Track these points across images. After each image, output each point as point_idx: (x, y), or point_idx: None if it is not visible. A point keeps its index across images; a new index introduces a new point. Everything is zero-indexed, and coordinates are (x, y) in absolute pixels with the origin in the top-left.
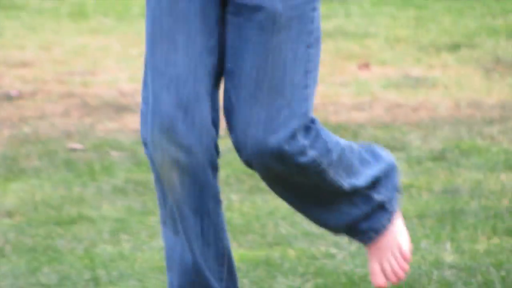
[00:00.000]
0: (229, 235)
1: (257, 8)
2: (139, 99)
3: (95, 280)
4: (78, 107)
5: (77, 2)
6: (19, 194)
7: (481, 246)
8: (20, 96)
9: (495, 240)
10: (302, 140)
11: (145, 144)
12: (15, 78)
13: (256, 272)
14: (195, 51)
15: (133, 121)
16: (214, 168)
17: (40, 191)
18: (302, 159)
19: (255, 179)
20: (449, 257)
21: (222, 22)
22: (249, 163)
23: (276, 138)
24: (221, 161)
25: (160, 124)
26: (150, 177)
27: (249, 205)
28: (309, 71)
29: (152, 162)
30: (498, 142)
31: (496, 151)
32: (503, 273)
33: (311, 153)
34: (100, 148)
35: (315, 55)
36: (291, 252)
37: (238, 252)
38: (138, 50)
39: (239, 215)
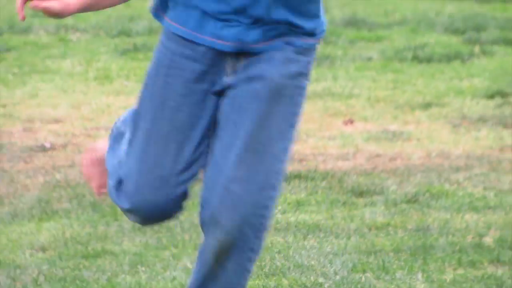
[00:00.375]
0: None
1: (257, 78)
2: None
3: None
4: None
5: (102, 67)
6: (52, 231)
7: (448, 276)
8: (53, 148)
9: (461, 271)
10: (269, 209)
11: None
12: (49, 133)
13: None
14: (183, 159)
15: None
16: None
17: (69, 229)
18: (265, 222)
19: None
20: (420, 286)
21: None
22: (214, 217)
23: (253, 198)
24: None
25: (138, 209)
26: None
27: None
28: (287, 149)
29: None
30: (464, 187)
31: (462, 194)
32: None
33: (268, 220)
34: None
35: (294, 137)
36: (285, 282)
37: None
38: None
39: None
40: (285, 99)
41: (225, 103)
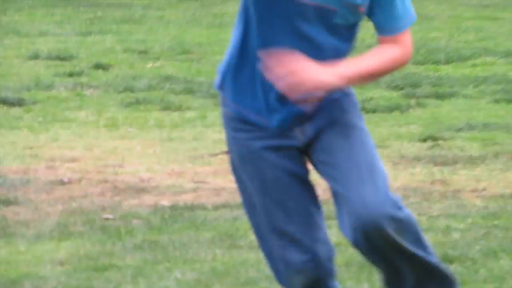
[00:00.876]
0: (214, 279)
1: (334, 123)
2: (153, 184)
3: None
4: (110, 190)
5: (111, 117)
6: (68, 249)
7: None
8: (70, 182)
9: None
10: (398, 205)
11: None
12: (66, 170)
13: None
14: (304, 210)
15: (149, 199)
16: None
17: (82, 248)
18: (402, 216)
19: (233, 239)
20: None
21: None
22: (365, 232)
23: (387, 205)
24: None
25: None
26: (160, 238)
27: (228, 257)
28: (378, 157)
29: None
30: None
31: None
32: None
33: (406, 212)
34: (125, 218)
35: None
36: None
37: None
38: (153, 150)
39: (221, 264)
40: (358, 120)
41: (316, 154)
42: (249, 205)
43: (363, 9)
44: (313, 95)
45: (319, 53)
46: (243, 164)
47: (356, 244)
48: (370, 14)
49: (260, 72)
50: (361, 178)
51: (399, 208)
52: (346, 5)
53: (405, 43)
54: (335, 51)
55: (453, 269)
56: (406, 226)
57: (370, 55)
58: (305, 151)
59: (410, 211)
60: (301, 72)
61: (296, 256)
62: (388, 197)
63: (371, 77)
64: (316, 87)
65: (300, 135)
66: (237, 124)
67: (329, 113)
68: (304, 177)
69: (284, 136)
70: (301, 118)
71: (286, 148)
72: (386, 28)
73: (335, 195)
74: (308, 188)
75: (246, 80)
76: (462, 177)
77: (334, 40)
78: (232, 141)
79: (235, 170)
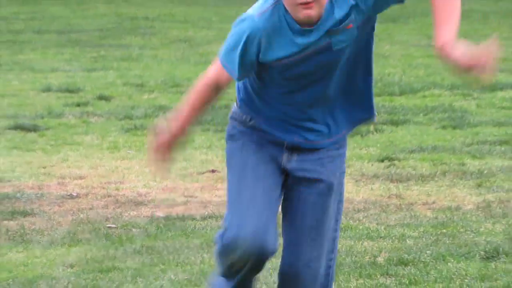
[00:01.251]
0: (202, 279)
1: (318, 181)
2: (149, 198)
3: None
4: (113, 203)
5: (113, 141)
6: (77, 254)
7: (352, 284)
8: (78, 196)
9: (361, 281)
10: (328, 268)
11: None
12: (75, 186)
13: None
14: (270, 199)
15: (146, 211)
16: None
17: (89, 252)
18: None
19: None
20: None
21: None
22: (285, 274)
23: (325, 265)
24: None
25: (245, 238)
26: (156, 244)
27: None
28: (338, 220)
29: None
30: (363, 223)
31: (361, 228)
32: None
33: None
34: (125, 227)
35: (342, 207)
36: None
37: None
38: (149, 169)
39: (208, 266)
40: (338, 186)
41: (292, 193)
42: (234, 170)
43: (351, 25)
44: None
45: (334, 74)
46: (232, 141)
47: (280, 274)
48: (384, 8)
49: (289, 114)
50: (306, 240)
51: (326, 282)
52: (333, 34)
53: None
54: (351, 63)
55: (407, 271)
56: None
57: (443, 15)
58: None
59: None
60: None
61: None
62: (317, 271)
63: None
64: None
65: (285, 161)
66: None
67: (319, 163)
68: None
69: (275, 151)
70: (292, 147)
71: (274, 155)
72: None
73: (283, 229)
74: (279, 185)
75: (274, 118)
76: (414, 192)
77: (342, 64)
78: (230, 128)
79: (233, 138)
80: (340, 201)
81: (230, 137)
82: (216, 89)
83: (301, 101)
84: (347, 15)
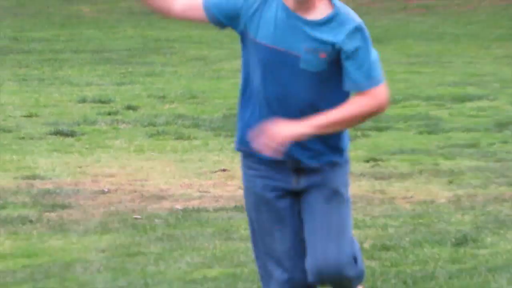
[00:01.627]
0: (214, 262)
1: (324, 185)
2: (170, 193)
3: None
4: (138, 197)
5: (139, 144)
6: (108, 241)
7: None
8: (109, 191)
9: None
10: (354, 267)
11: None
12: (106, 183)
13: None
14: (291, 238)
15: (166, 204)
16: None
17: (118, 239)
18: (352, 275)
19: (228, 233)
20: None
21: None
22: (318, 276)
23: (343, 265)
24: None
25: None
26: (175, 232)
27: (225, 246)
28: (350, 224)
29: None
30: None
31: None
32: None
33: (358, 270)
34: (149, 218)
35: (350, 211)
36: None
37: None
38: (169, 168)
39: (219, 251)
40: (344, 190)
41: (303, 204)
42: (252, 231)
43: (324, 55)
44: (283, 145)
45: (295, 99)
46: (249, 197)
47: (311, 283)
48: (343, 70)
49: (260, 109)
50: (330, 237)
51: (353, 268)
52: (306, 50)
53: (375, 95)
54: (309, 98)
55: (389, 255)
56: (354, 281)
57: (342, 106)
58: (297, 194)
59: (362, 269)
60: (270, 130)
61: (278, 274)
62: (346, 260)
63: (340, 125)
64: (284, 138)
65: (295, 183)
66: (249, 161)
67: (323, 175)
68: (295, 210)
69: (283, 180)
70: (299, 170)
71: (281, 189)
72: (353, 86)
73: (308, 240)
74: (299, 220)
75: (248, 116)
76: (395, 188)
77: (305, 87)
78: (245, 177)
79: (247, 206)
80: (348, 207)
81: (245, 189)
82: None
83: (273, 96)
84: (326, 42)
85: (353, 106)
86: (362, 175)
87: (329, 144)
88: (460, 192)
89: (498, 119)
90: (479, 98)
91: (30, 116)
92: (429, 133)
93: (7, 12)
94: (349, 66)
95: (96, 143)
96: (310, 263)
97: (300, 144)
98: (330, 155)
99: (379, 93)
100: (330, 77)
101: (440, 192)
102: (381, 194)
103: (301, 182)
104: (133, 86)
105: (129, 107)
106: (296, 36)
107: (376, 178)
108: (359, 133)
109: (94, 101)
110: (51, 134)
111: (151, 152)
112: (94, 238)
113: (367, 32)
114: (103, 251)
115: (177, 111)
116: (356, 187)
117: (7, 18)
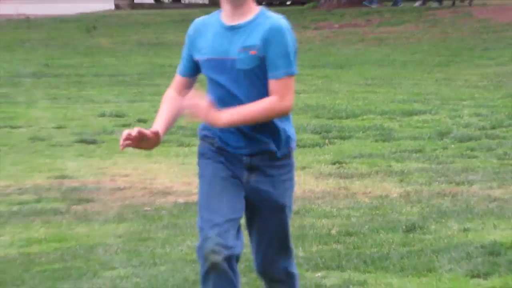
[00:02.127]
0: None
1: (269, 200)
2: (174, 190)
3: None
4: (148, 193)
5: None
6: (124, 228)
7: (314, 249)
8: (124, 188)
9: (320, 247)
10: (288, 271)
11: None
12: (122, 181)
13: None
14: (234, 207)
15: (171, 199)
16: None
17: (132, 227)
18: (286, 277)
19: None
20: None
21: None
22: (262, 274)
23: (280, 267)
24: None
25: (211, 237)
26: (178, 221)
27: None
28: (289, 234)
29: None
30: (321, 207)
31: (320, 210)
32: None
33: (291, 273)
34: (158, 210)
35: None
36: None
37: None
38: (173, 170)
39: None
40: (288, 203)
41: (250, 208)
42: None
43: (255, 52)
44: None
45: (233, 98)
46: (204, 158)
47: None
48: (265, 60)
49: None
50: (271, 244)
51: (287, 273)
52: (239, 51)
53: (283, 95)
54: (246, 95)
55: (352, 240)
56: (287, 282)
57: (253, 103)
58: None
59: (295, 273)
60: (197, 108)
61: (211, 232)
62: (282, 266)
63: (250, 120)
64: (205, 119)
65: (246, 180)
66: (207, 142)
67: (271, 182)
68: (241, 193)
69: (237, 171)
70: (251, 167)
71: (235, 174)
72: (271, 75)
73: (251, 238)
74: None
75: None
76: (356, 185)
77: (244, 86)
78: (201, 147)
79: (204, 156)
80: (289, 217)
81: (202, 155)
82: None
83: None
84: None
85: (262, 104)
86: (330, 175)
87: (264, 132)
88: (409, 188)
89: (439, 129)
90: (424, 112)
91: (59, 127)
92: (383, 141)
93: (40, 43)
94: (269, 56)
95: (113, 149)
96: (254, 258)
97: (236, 129)
98: (266, 144)
99: (286, 92)
100: (265, 74)
101: (393, 189)
102: (345, 190)
103: (251, 182)
104: (143, 103)
105: (140, 120)
106: (231, 42)
107: (341, 177)
108: (326, 141)
109: (111, 115)
110: (77, 142)
111: (158, 157)
112: (112, 226)
113: (285, 29)
114: (119, 236)
115: (179, 123)
116: (325, 184)
117: (41, 49)
